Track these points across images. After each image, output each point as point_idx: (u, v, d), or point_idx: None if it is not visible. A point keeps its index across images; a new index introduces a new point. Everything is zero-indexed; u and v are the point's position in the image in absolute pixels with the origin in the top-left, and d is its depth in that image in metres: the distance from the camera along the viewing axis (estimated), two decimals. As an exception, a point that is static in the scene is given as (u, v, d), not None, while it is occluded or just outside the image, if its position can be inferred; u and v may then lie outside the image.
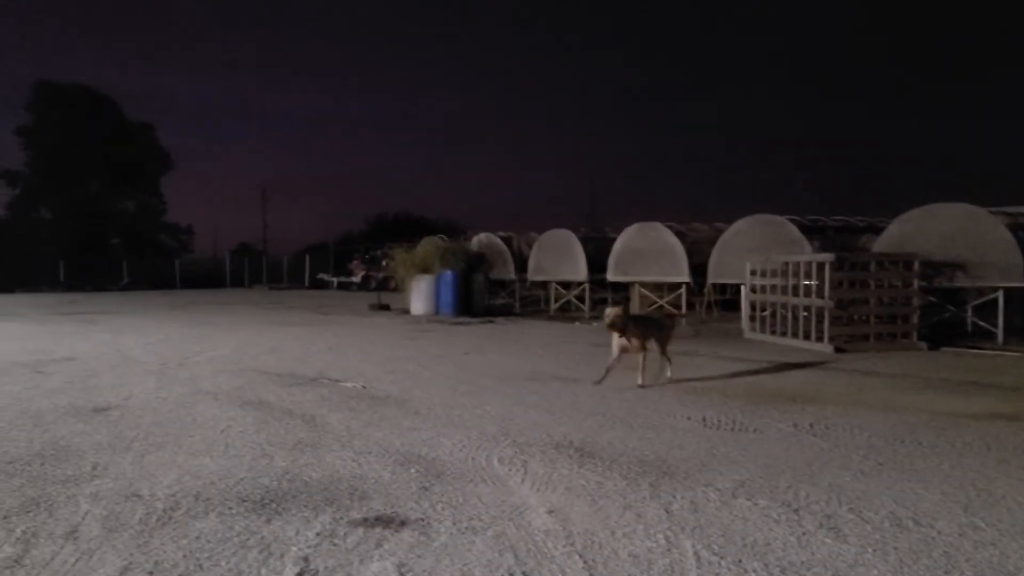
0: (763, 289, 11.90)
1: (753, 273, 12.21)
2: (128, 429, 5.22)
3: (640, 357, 6.96)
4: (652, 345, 7.19)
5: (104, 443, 4.82)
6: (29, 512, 3.47)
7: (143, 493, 3.75)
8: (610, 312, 7.07)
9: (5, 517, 3.40)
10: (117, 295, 31.41)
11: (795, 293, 10.88)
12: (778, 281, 11.41)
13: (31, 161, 51.55)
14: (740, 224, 14.26)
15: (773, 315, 11.53)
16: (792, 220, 13.87)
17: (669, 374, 7.32)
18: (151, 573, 2.79)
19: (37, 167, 51.32)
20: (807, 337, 10.50)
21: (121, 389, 6.90)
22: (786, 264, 11.26)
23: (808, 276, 10.67)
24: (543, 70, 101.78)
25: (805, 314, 10.72)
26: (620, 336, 6.96)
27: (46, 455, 4.51)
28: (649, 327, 7.34)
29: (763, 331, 11.70)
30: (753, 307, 12.21)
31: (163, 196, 56.20)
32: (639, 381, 6.91)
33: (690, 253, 15.22)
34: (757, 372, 8.12)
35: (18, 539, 3.13)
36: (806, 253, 11.98)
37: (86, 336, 12.40)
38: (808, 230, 13.86)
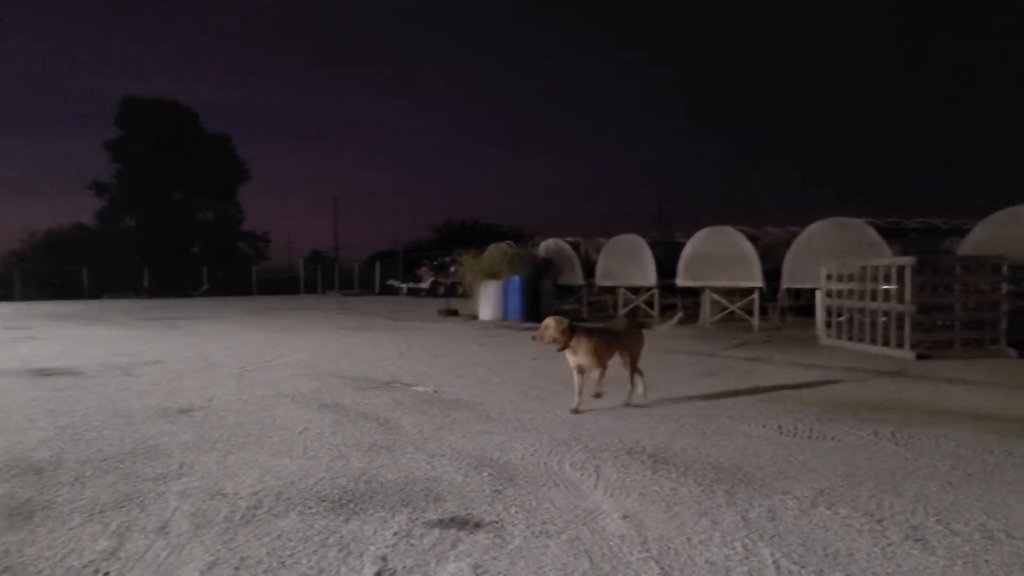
0: (839, 294, 11.58)
1: (829, 277, 11.89)
2: (212, 430, 5.42)
3: (596, 375, 6.07)
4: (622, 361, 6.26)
5: (190, 443, 5.01)
6: (123, 507, 3.63)
7: (227, 491, 3.89)
8: (550, 324, 5.93)
9: (101, 512, 3.57)
10: (198, 301, 32.60)
11: (874, 298, 10.56)
12: (856, 285, 11.09)
13: (118, 173, 54.11)
14: (815, 227, 13.91)
15: (850, 320, 11.21)
16: (870, 223, 13.44)
17: (639, 393, 6.29)
18: (237, 569, 2.89)
19: (124, 179, 53.83)
20: (887, 343, 10.17)
21: (204, 391, 7.16)
22: (864, 268, 10.94)
23: (888, 280, 10.34)
24: (607, 74, 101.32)
25: (884, 319, 10.39)
26: (561, 350, 5.98)
27: (137, 453, 4.72)
28: (609, 340, 6.14)
29: (839, 337, 11.38)
30: (829, 312, 11.89)
31: (240, 205, 58.16)
32: (574, 404, 5.98)
33: (763, 257, 14.90)
34: (834, 379, 7.90)
35: (113, 533, 3.29)
36: (885, 256, 11.60)
37: (170, 340, 12.91)
38: (887, 233, 13.39)
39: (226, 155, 56.24)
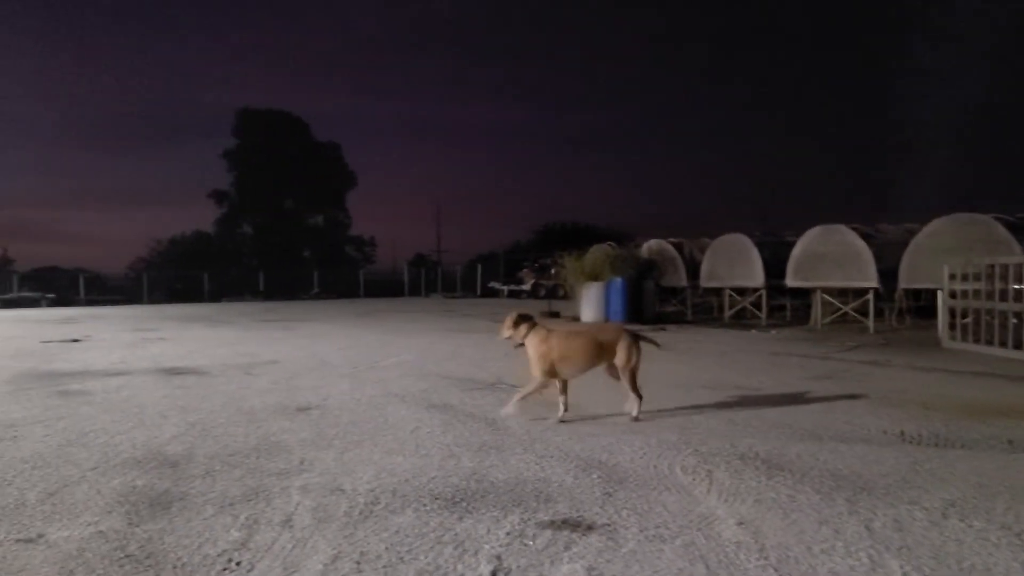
0: (964, 294, 10.95)
1: (952, 277, 11.27)
2: (328, 427, 5.63)
3: (555, 385, 5.70)
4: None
5: (308, 440, 5.22)
6: (250, 501, 3.83)
7: (346, 488, 4.03)
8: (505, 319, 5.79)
9: (231, 504, 3.77)
10: (309, 303, 33.87)
11: (1003, 298, 9.93)
12: (982, 285, 10.46)
13: (235, 182, 56.93)
14: (936, 224, 13.19)
15: (976, 322, 10.58)
16: (997, 218, 12.65)
17: (634, 412, 5.69)
18: (358, 563, 3.00)
19: (241, 187, 56.57)
20: (1018, 346, 9.54)
21: (320, 390, 7.44)
22: (992, 266, 10.30)
23: (1019, 279, 9.71)
24: (706, 74, 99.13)
25: (1015, 321, 9.75)
26: (520, 347, 5.75)
27: (260, 449, 4.95)
28: (575, 348, 5.65)
29: (964, 340, 10.76)
30: (952, 314, 11.26)
31: (348, 211, 60.12)
32: (507, 408, 5.81)
33: (878, 257, 14.27)
34: (960, 384, 7.47)
35: (242, 525, 3.46)
36: (1015, 254, 10.88)
37: (285, 341, 13.47)
38: (1016, 228, 12.56)
39: (335, 162, 58.30)
